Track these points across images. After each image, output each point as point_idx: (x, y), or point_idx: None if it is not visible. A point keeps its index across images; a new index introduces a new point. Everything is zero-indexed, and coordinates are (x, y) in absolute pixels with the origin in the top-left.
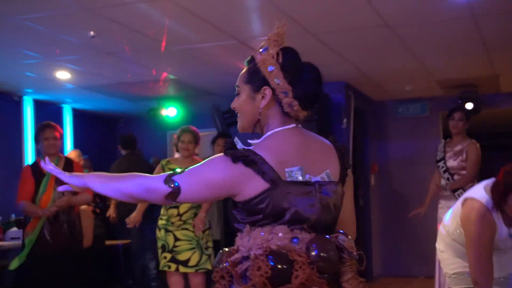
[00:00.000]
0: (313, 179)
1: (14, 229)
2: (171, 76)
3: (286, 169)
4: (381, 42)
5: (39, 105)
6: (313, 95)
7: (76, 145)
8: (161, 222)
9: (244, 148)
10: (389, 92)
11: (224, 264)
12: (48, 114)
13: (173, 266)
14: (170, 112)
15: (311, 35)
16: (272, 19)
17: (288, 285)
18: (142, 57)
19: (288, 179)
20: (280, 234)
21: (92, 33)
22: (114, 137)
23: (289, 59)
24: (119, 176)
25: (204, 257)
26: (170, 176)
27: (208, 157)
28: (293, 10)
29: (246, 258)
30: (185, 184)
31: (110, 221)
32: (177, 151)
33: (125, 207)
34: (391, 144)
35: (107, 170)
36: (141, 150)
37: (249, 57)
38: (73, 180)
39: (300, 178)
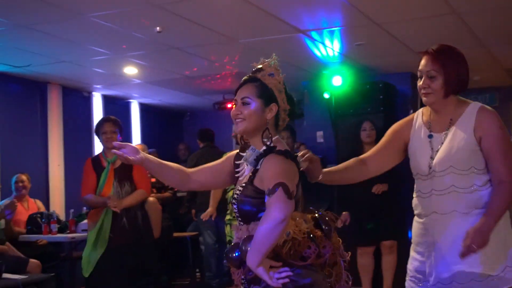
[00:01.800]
0: None
1: (86, 221)
2: (236, 70)
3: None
4: (448, 31)
5: (108, 100)
6: (294, 115)
7: (143, 138)
8: (227, 218)
9: (286, 150)
10: None
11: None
12: (116, 109)
13: None
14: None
15: (376, 26)
16: (338, 11)
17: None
18: (207, 51)
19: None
20: (299, 219)
21: (158, 28)
22: (179, 131)
23: (285, 86)
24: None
25: None
26: (270, 190)
27: None
28: (359, 1)
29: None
30: (286, 181)
31: (180, 213)
32: (237, 143)
33: (197, 201)
34: None
35: (173, 162)
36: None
37: (251, 76)
38: None
39: None
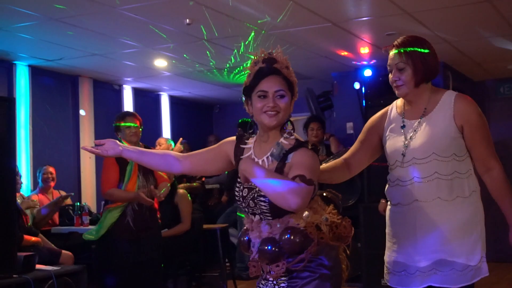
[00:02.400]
0: None
1: None
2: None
3: None
4: (481, 19)
5: (138, 93)
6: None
7: (173, 131)
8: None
9: (314, 144)
10: (489, 71)
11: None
12: (146, 101)
13: None
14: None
15: (407, 14)
16: (369, 0)
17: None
18: (236, 43)
19: None
20: (320, 203)
21: (188, 20)
22: (209, 124)
23: None
24: (273, 173)
25: None
26: (304, 176)
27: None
28: None
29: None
30: (314, 179)
31: (210, 205)
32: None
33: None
34: (491, 125)
35: None
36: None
37: (270, 68)
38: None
39: None
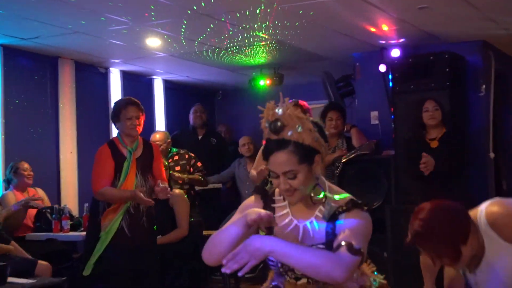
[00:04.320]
0: None
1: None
2: (278, 37)
3: None
4: None
5: (127, 77)
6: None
7: (168, 121)
8: None
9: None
10: None
11: None
12: (137, 87)
13: None
14: (274, 81)
15: None
16: None
17: None
18: (242, 18)
19: None
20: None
21: None
22: (210, 112)
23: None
24: (304, 247)
25: None
26: (351, 245)
27: None
28: None
29: None
30: (363, 249)
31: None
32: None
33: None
34: None
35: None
36: (241, 128)
37: (277, 140)
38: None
39: None
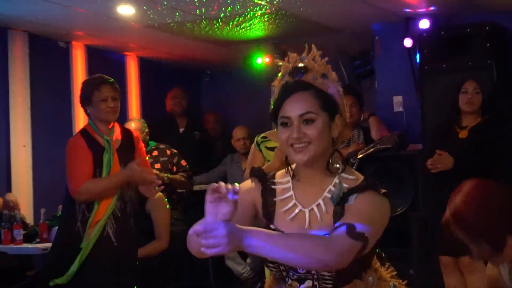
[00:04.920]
0: None
1: None
2: (280, 5)
3: None
4: None
5: (93, 53)
6: None
7: (144, 107)
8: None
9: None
10: None
11: None
12: (105, 65)
13: None
14: (275, 59)
15: None
16: None
17: None
18: None
19: None
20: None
21: None
22: (196, 97)
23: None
24: (288, 236)
25: None
26: (353, 227)
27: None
28: None
29: None
30: (369, 235)
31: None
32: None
33: None
34: None
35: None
36: (233, 117)
37: (298, 81)
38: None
39: None
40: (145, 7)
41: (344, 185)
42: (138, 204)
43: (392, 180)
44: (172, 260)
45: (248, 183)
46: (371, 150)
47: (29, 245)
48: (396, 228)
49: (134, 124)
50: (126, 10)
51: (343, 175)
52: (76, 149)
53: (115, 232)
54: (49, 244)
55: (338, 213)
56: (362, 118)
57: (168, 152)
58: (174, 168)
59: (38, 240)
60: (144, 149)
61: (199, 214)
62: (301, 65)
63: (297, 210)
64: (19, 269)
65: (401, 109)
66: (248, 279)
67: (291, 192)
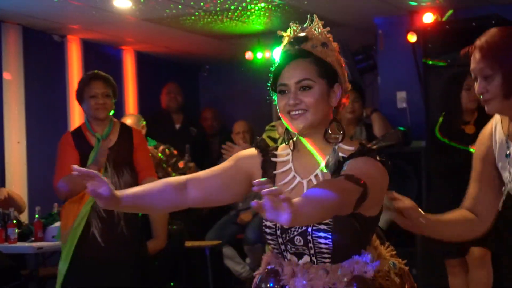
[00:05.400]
0: None
1: (57, 224)
2: (278, 0)
3: None
4: None
5: (89, 47)
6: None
7: (141, 103)
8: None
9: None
10: None
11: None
12: (101, 59)
13: None
14: (276, 54)
15: None
16: None
17: None
18: None
19: None
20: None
21: None
22: (193, 92)
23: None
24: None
25: None
26: (352, 175)
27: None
28: None
29: None
30: (368, 184)
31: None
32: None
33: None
34: None
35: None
36: (232, 113)
37: (297, 49)
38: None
39: None
40: (142, 0)
41: (341, 154)
42: None
43: (395, 177)
44: (170, 260)
45: (251, 151)
46: (374, 147)
47: (24, 244)
48: (400, 227)
49: (130, 120)
50: (122, 3)
51: (341, 145)
52: (62, 147)
53: (101, 233)
54: (44, 243)
55: None
56: (364, 114)
57: (167, 152)
58: (170, 169)
59: (32, 239)
60: (148, 148)
61: (196, 213)
62: (302, 34)
63: (295, 182)
64: (13, 268)
65: (404, 105)
66: (247, 279)
67: (291, 164)
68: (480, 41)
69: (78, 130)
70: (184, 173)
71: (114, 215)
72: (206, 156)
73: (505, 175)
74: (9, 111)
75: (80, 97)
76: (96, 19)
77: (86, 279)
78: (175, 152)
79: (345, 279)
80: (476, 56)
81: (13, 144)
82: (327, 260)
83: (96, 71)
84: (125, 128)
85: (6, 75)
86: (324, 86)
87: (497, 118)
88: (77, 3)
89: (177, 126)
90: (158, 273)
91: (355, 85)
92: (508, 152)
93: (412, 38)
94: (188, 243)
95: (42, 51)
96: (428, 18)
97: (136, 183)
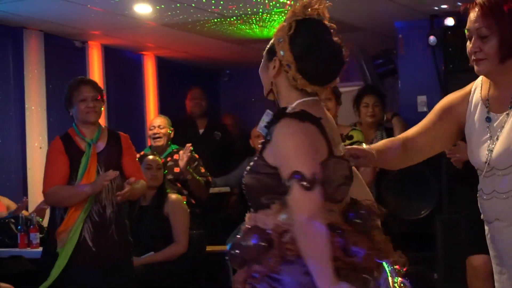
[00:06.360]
0: None
1: None
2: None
3: None
4: None
5: (110, 53)
6: (322, 73)
7: (162, 107)
8: None
9: (302, 110)
10: None
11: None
12: (122, 65)
13: None
14: None
15: None
16: None
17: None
18: None
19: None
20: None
21: None
22: (214, 97)
23: (302, 33)
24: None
25: None
26: (300, 179)
27: (352, 122)
28: None
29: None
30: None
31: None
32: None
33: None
34: None
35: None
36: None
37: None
38: None
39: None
40: (162, 6)
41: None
42: (120, 208)
43: (416, 183)
44: (190, 264)
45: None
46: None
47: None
48: (420, 231)
49: (160, 120)
50: (143, 9)
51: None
52: (52, 153)
53: (92, 237)
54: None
55: (262, 146)
56: (385, 118)
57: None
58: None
59: None
60: (134, 153)
61: (218, 217)
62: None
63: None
64: (35, 273)
65: (425, 109)
66: None
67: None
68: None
69: (67, 135)
70: (206, 178)
71: (106, 219)
72: (230, 159)
73: (483, 142)
74: (31, 117)
75: (69, 102)
76: (117, 25)
77: (76, 284)
78: (197, 156)
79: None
80: (475, 13)
81: (35, 149)
82: (252, 209)
83: (83, 77)
84: (112, 133)
85: (27, 80)
86: (265, 59)
87: (478, 82)
88: (98, 9)
89: (201, 131)
90: (176, 277)
91: (376, 89)
92: (488, 115)
93: (432, 41)
94: (209, 248)
95: (63, 56)
96: (449, 21)
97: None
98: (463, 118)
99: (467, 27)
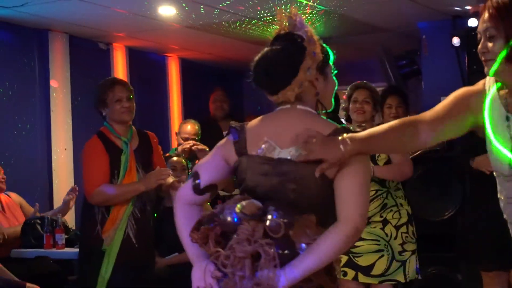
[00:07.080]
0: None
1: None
2: (320, 7)
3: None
4: None
5: (134, 55)
6: (258, 84)
7: (186, 108)
8: None
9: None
10: None
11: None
12: (146, 67)
13: (350, 274)
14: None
15: None
16: None
17: None
18: None
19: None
20: None
21: None
22: (238, 98)
23: None
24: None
25: (395, 264)
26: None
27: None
28: None
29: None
30: None
31: None
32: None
33: None
34: None
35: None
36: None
37: None
38: None
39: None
40: (186, 8)
41: None
42: (157, 204)
43: (439, 183)
44: None
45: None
46: (418, 153)
47: (71, 250)
48: (444, 232)
49: (190, 126)
50: (167, 11)
51: None
52: (93, 152)
53: (135, 234)
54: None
55: None
56: None
57: None
58: None
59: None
60: (161, 151)
61: None
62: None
63: None
64: (60, 274)
65: None
66: None
67: None
68: (492, 1)
69: (102, 134)
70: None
71: (146, 216)
72: None
73: (505, 142)
74: (56, 119)
75: (103, 103)
76: (141, 27)
77: (127, 282)
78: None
79: None
80: (484, 15)
81: (61, 151)
82: None
83: (114, 77)
84: (141, 132)
85: (53, 83)
86: None
87: (489, 80)
88: (122, 11)
89: (224, 133)
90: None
91: (399, 90)
92: (507, 113)
93: (456, 42)
94: None
95: (88, 58)
96: (472, 22)
97: None
98: (476, 111)
99: (477, 29)
